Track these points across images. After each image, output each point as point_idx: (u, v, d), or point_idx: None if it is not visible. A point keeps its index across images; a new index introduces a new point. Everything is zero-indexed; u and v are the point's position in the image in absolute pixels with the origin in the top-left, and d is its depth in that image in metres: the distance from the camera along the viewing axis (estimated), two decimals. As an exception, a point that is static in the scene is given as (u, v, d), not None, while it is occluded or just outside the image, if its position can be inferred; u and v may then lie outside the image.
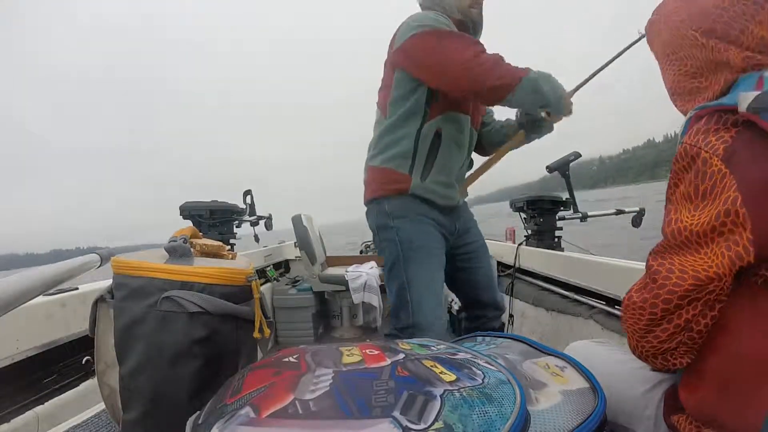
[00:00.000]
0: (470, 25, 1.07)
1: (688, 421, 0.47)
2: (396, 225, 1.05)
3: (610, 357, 0.62)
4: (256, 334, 0.60)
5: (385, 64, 1.08)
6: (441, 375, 0.39)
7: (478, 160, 1.22)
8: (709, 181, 0.41)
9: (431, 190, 1.05)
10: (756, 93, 0.39)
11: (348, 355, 0.42)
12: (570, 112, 0.97)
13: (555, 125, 1.06)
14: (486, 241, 1.25)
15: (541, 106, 0.94)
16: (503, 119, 1.25)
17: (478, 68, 0.90)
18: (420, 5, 1.12)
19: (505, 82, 0.89)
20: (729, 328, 0.42)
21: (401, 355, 0.42)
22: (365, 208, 1.15)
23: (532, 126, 1.09)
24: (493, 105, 1.07)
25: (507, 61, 0.92)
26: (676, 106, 0.53)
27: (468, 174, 1.18)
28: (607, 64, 1.01)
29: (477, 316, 1.20)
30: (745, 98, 0.39)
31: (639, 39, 0.82)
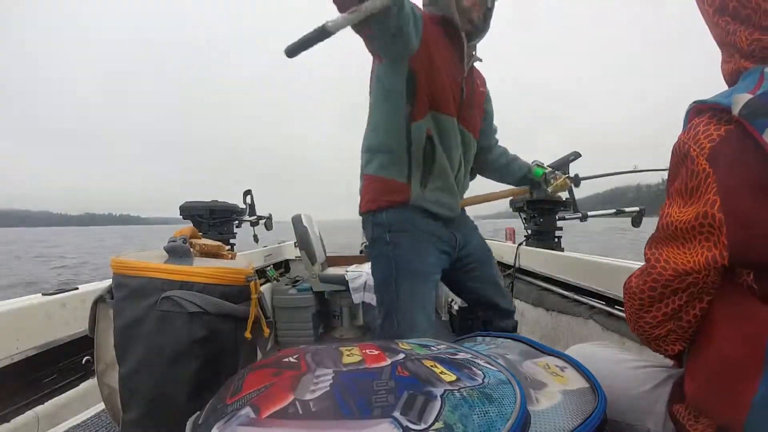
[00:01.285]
0: (460, 25, 0.96)
1: (687, 410, 0.47)
2: (393, 241, 0.98)
3: (611, 357, 0.62)
4: (248, 334, 0.60)
5: None
6: (441, 375, 0.39)
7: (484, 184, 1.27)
8: (695, 180, 0.42)
9: (433, 200, 0.99)
10: (749, 96, 0.38)
11: (348, 355, 0.42)
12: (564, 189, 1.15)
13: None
14: (486, 241, 1.24)
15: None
16: (528, 160, 1.27)
17: None
18: None
19: None
20: (716, 323, 0.43)
21: (401, 355, 0.42)
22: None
23: (538, 187, 1.19)
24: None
25: None
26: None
27: (470, 195, 1.15)
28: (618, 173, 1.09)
29: (486, 321, 1.14)
30: (738, 101, 0.39)
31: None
